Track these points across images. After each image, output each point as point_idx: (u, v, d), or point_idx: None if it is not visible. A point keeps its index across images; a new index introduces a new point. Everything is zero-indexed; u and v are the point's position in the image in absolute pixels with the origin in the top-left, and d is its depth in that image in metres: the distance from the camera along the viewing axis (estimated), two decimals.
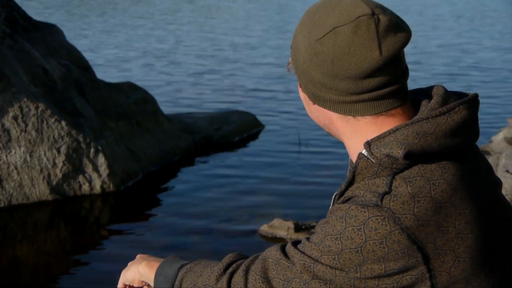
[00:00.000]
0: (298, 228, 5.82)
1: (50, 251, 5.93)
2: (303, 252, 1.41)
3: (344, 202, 1.42)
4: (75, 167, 6.78)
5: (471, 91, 1.49)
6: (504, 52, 16.89)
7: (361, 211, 1.36)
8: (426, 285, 1.35)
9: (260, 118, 9.53)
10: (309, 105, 1.52)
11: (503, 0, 31.89)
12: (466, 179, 1.42)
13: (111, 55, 14.83)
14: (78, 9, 24.16)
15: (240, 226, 6.17)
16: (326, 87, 1.42)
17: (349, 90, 1.40)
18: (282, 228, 5.82)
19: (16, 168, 6.57)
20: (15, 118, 6.66)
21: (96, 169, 6.83)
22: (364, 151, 1.42)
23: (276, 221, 5.89)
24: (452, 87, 1.60)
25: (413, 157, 1.38)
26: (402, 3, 28.34)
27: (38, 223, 6.41)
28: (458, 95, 1.48)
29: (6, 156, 6.57)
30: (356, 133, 1.46)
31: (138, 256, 1.76)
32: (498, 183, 1.54)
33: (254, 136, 9.05)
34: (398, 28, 1.40)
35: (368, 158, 1.40)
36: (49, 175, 6.65)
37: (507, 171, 6.23)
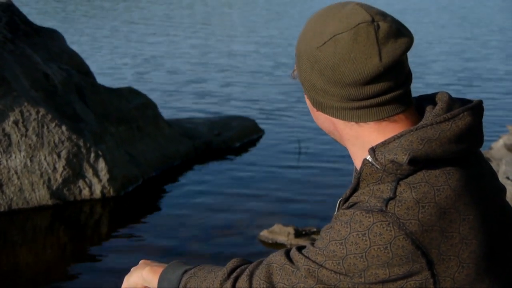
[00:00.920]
0: (298, 234, 5.82)
1: (50, 255, 5.93)
2: (307, 257, 1.41)
3: (349, 207, 1.42)
4: (75, 172, 6.78)
5: (469, 97, 1.50)
6: (504, 58, 16.91)
7: (366, 217, 1.36)
8: None
9: (260, 123, 9.53)
10: (314, 112, 1.53)
11: (502, 8, 31.96)
12: (470, 185, 1.42)
13: (110, 61, 14.83)
14: (71, 15, 24.18)
15: (240, 231, 6.17)
16: (328, 94, 1.44)
17: (350, 97, 1.41)
18: (282, 233, 5.82)
19: (16, 172, 6.57)
20: (15, 122, 6.66)
21: (96, 174, 6.83)
22: (368, 157, 1.42)
23: (277, 227, 5.89)
24: (452, 94, 1.61)
25: (418, 163, 1.38)
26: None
27: (38, 227, 6.41)
28: (463, 101, 1.48)
29: (7, 160, 6.57)
30: (360, 139, 1.47)
31: (141, 262, 1.76)
32: (502, 189, 1.54)
33: (254, 142, 9.06)
34: (399, 34, 1.40)
35: (372, 164, 1.41)
36: (49, 179, 6.65)
37: (507, 178, 6.23)
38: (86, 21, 21.97)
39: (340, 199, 1.53)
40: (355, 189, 1.45)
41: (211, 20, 23.91)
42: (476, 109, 1.45)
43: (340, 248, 1.36)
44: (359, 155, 1.49)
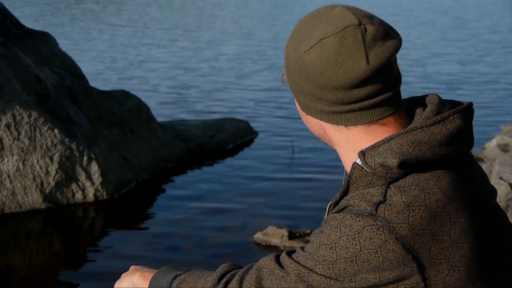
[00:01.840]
0: (292, 236, 5.81)
1: (43, 259, 5.90)
2: (297, 262, 1.41)
3: (339, 211, 1.42)
4: (68, 175, 6.76)
5: (462, 99, 1.49)
6: (495, 59, 16.95)
7: (356, 220, 1.36)
8: None
9: (253, 125, 9.52)
10: (303, 115, 1.53)
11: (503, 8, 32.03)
12: (460, 188, 1.42)
13: (101, 64, 14.81)
14: (60, 18, 24.16)
15: (234, 233, 6.15)
16: (316, 98, 1.44)
17: (339, 100, 1.41)
18: (276, 235, 5.81)
19: (8, 176, 6.54)
20: (7, 126, 6.64)
21: (89, 177, 6.81)
22: (358, 161, 1.42)
23: (270, 229, 5.88)
24: (445, 94, 1.60)
25: (408, 167, 1.38)
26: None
27: (31, 231, 6.38)
28: (453, 103, 1.48)
29: None
30: (349, 142, 1.47)
31: (131, 267, 1.75)
32: (492, 191, 1.54)
33: (248, 144, 9.04)
34: (387, 37, 1.40)
35: (362, 168, 1.41)
36: (42, 183, 6.63)
37: (501, 178, 6.24)
38: (75, 24, 21.94)
39: (330, 203, 1.53)
40: (345, 193, 1.45)
41: (204, 22, 23.89)
42: (466, 111, 1.45)
43: (330, 252, 1.36)
44: (349, 159, 1.49)
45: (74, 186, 6.76)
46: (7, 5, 9.95)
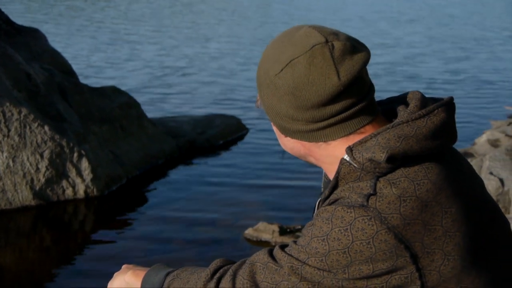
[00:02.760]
0: (283, 232, 5.81)
1: (34, 256, 5.89)
2: (290, 255, 1.41)
3: (330, 204, 1.42)
4: (58, 172, 6.74)
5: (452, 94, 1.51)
6: (481, 54, 17.00)
7: (347, 212, 1.36)
8: (416, 284, 1.36)
9: (244, 122, 9.52)
10: (282, 138, 1.55)
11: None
12: (450, 178, 1.44)
13: (91, 61, 14.77)
14: (48, 15, 24.07)
15: (225, 229, 6.15)
16: (292, 119, 1.45)
17: (315, 119, 1.43)
18: (267, 231, 5.82)
19: None
20: None
21: (79, 173, 6.80)
22: (346, 156, 1.43)
23: (261, 225, 5.89)
24: (433, 93, 1.61)
25: (395, 161, 1.39)
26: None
27: (21, 228, 6.36)
28: (434, 99, 1.50)
29: None
30: (330, 156, 1.49)
31: (123, 266, 1.75)
32: (482, 183, 1.56)
33: (238, 140, 9.05)
34: (354, 50, 1.42)
35: (350, 163, 1.42)
36: (32, 180, 6.61)
37: (491, 173, 6.26)
38: (63, 21, 21.87)
39: (319, 199, 1.53)
40: (334, 188, 1.45)
41: (192, 20, 23.86)
42: (449, 105, 1.47)
43: (322, 244, 1.36)
44: (333, 170, 1.51)
45: (64, 183, 6.75)
46: None
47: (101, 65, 14.18)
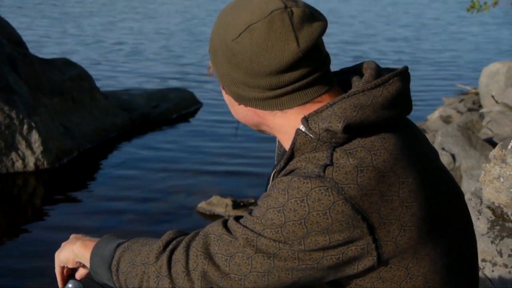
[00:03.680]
0: (236, 205, 5.79)
1: None
2: (245, 226, 1.38)
3: (285, 175, 1.39)
4: (7, 143, 6.60)
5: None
6: (435, 30, 17.15)
7: (303, 183, 1.33)
8: (372, 255, 1.33)
9: (198, 95, 9.45)
10: (234, 106, 1.51)
11: None
12: (406, 148, 1.42)
13: (43, 33, 14.49)
14: None
15: (177, 203, 6.11)
16: (248, 86, 1.42)
17: (272, 86, 1.40)
18: (220, 205, 5.79)
19: None
20: None
21: (29, 146, 6.66)
22: (301, 127, 1.40)
23: (214, 198, 5.85)
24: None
25: (352, 130, 1.37)
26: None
27: None
28: (389, 69, 1.48)
29: None
30: (286, 125, 1.46)
31: (72, 236, 1.69)
32: (436, 153, 1.54)
33: (192, 114, 8.99)
34: (313, 18, 1.39)
35: (306, 134, 1.38)
36: None
37: (443, 149, 6.32)
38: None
39: (274, 171, 1.50)
40: (289, 159, 1.42)
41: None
42: (404, 74, 1.45)
43: (278, 215, 1.33)
44: (288, 140, 1.47)
45: (13, 155, 6.61)
46: None
47: (50, 40, 13.92)
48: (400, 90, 1.41)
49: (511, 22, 19.42)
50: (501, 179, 2.42)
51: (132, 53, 12.61)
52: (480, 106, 8.91)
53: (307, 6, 1.40)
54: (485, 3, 9.43)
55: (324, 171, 1.34)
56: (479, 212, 2.48)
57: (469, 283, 1.50)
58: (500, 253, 2.39)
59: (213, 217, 5.75)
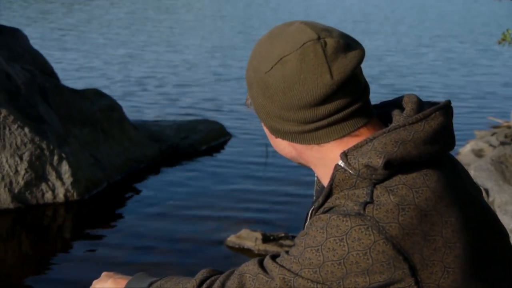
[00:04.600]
0: (266, 239, 5.72)
1: (12, 261, 5.76)
2: (282, 266, 1.34)
3: (324, 213, 1.34)
4: (37, 174, 6.62)
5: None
6: (461, 64, 17.04)
7: (343, 221, 1.29)
8: None
9: (227, 127, 9.44)
10: (273, 139, 1.48)
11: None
12: (449, 186, 1.37)
13: (72, 63, 14.64)
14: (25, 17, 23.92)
15: (207, 236, 6.05)
16: (283, 119, 1.39)
17: (307, 119, 1.36)
18: (249, 239, 5.72)
19: None
20: None
21: (59, 177, 6.68)
22: (340, 162, 1.35)
23: (244, 232, 5.79)
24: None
25: (393, 167, 1.32)
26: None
27: None
28: (431, 103, 1.44)
29: None
30: (323, 159, 1.42)
31: (103, 274, 1.66)
32: (479, 190, 1.49)
33: (222, 146, 8.96)
34: (348, 48, 1.35)
35: (345, 170, 1.34)
36: (11, 182, 6.48)
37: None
38: (43, 23, 21.71)
39: (312, 208, 1.45)
40: (327, 196, 1.37)
41: (172, 23, 23.78)
42: (446, 108, 1.40)
43: (316, 255, 1.29)
44: (326, 175, 1.43)
45: (44, 186, 6.63)
46: None
47: (82, 69, 14.05)
48: (442, 125, 1.37)
49: None
50: None
51: (160, 84, 12.67)
52: None
53: (342, 36, 1.36)
54: None
55: (364, 209, 1.29)
56: None
57: None
58: None
59: (242, 250, 5.68)
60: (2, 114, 6.59)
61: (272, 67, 1.35)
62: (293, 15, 28.39)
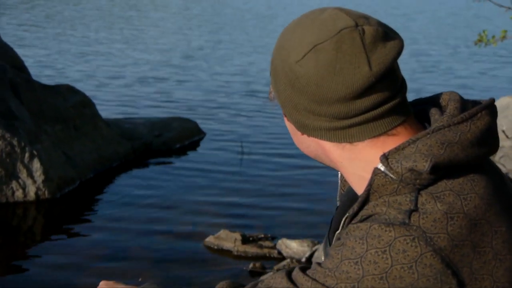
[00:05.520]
0: (245, 240, 5.59)
1: None
2: (315, 280, 1.20)
3: (362, 221, 1.20)
4: (8, 172, 6.41)
5: None
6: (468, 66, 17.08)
7: (385, 231, 1.16)
8: None
9: (201, 125, 9.29)
10: (297, 136, 1.33)
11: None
12: (496, 192, 1.26)
13: (44, 57, 14.37)
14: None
15: (184, 237, 5.90)
16: (314, 114, 1.25)
17: (340, 114, 1.23)
18: (228, 239, 5.58)
19: None
20: None
21: (30, 174, 6.47)
22: (380, 166, 1.21)
23: (223, 233, 5.65)
24: None
25: (439, 171, 1.19)
26: None
27: None
28: (473, 102, 1.31)
29: None
30: (355, 160, 1.28)
31: (102, 283, 1.50)
32: None
33: (196, 144, 8.81)
34: (387, 38, 1.23)
35: (386, 174, 1.20)
36: None
37: None
38: (16, 16, 21.36)
39: (346, 215, 1.29)
40: (364, 203, 1.23)
41: (147, 20, 23.55)
42: (492, 108, 1.28)
43: (355, 268, 1.15)
44: (356, 176, 1.29)
45: (14, 184, 6.41)
46: None
47: (53, 63, 13.79)
48: (489, 126, 1.25)
49: None
50: None
51: (131, 82, 12.47)
52: None
53: (381, 25, 1.24)
54: (493, 36, 9.33)
55: (409, 218, 1.17)
56: None
57: None
58: None
59: (221, 251, 5.54)
60: None
61: (304, 56, 1.22)
62: (258, 16, 28.34)
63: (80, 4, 27.81)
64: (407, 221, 1.16)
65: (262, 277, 4.70)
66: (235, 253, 5.50)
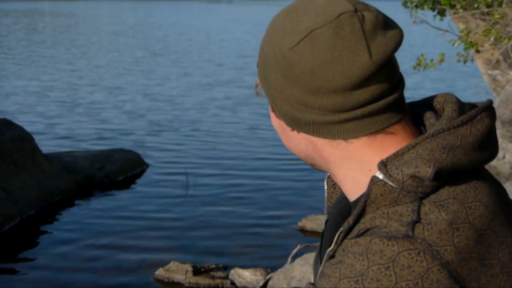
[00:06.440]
0: (196, 271, 5.44)
1: None
2: None
3: (359, 236, 1.09)
4: None
5: None
6: None
7: (388, 245, 1.05)
8: None
9: (144, 156, 9.12)
10: (286, 133, 1.21)
11: None
12: (500, 200, 1.17)
13: None
14: None
15: (133, 271, 5.71)
16: (306, 106, 1.13)
17: (337, 107, 1.11)
18: (179, 271, 5.42)
19: None
20: None
21: None
22: (378, 174, 1.10)
23: (173, 264, 5.49)
24: None
25: (442, 177, 1.09)
26: None
27: None
28: (471, 104, 1.23)
29: None
30: (350, 159, 1.16)
31: None
32: None
33: (139, 175, 8.64)
34: (387, 26, 1.13)
35: (385, 183, 1.09)
36: None
37: None
38: None
39: (340, 230, 1.17)
40: (360, 216, 1.12)
41: (89, 52, 23.29)
42: (491, 110, 1.20)
43: (355, 287, 1.04)
44: (349, 178, 1.17)
45: None
46: None
47: None
48: (489, 128, 1.17)
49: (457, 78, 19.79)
50: None
51: (68, 112, 12.23)
52: None
53: (380, 12, 1.15)
54: (431, 60, 9.46)
55: (413, 230, 1.05)
56: None
57: None
58: None
59: (172, 284, 5.38)
60: None
61: (298, 42, 1.11)
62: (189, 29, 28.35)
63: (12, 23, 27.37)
64: (410, 233, 1.05)
65: None
66: (187, 285, 5.34)
